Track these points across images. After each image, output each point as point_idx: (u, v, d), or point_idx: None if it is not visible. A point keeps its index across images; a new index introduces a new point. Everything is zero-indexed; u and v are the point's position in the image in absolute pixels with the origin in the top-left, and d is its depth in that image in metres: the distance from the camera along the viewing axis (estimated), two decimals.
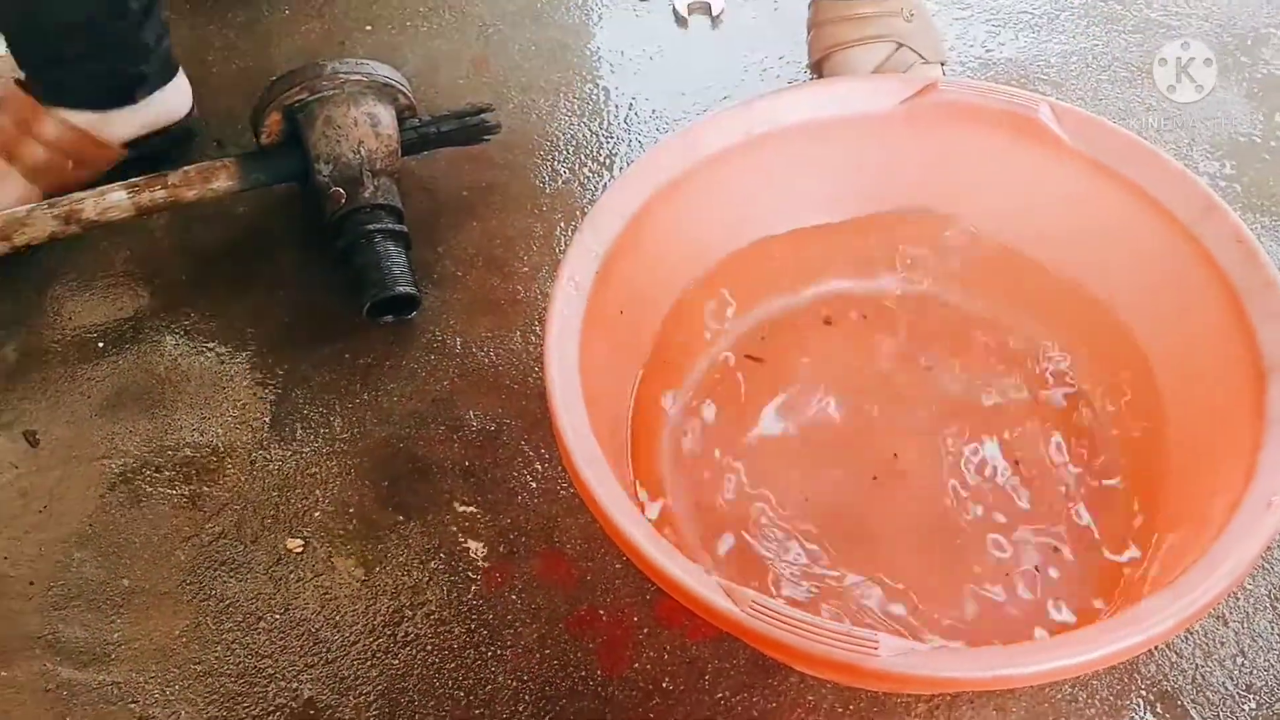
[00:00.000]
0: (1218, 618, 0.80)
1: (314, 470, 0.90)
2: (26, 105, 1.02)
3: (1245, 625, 0.79)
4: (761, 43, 1.18)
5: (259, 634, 0.83)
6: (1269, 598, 0.81)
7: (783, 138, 0.86)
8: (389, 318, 0.98)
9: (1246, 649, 0.78)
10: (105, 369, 0.98)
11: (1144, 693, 0.77)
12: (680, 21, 1.21)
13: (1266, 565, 0.82)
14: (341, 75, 0.98)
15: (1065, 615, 0.76)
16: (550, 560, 0.84)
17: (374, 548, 0.86)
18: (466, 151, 1.08)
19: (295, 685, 0.80)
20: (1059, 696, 0.76)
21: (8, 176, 1.02)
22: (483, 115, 1.05)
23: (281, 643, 0.82)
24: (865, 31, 0.97)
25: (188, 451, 0.92)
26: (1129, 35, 1.17)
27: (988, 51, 1.16)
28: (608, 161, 1.09)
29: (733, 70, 1.16)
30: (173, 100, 1.09)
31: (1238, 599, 0.81)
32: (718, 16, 1.21)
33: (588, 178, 1.08)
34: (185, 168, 0.99)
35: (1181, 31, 1.16)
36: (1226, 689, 0.77)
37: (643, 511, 0.72)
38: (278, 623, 0.83)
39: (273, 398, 0.95)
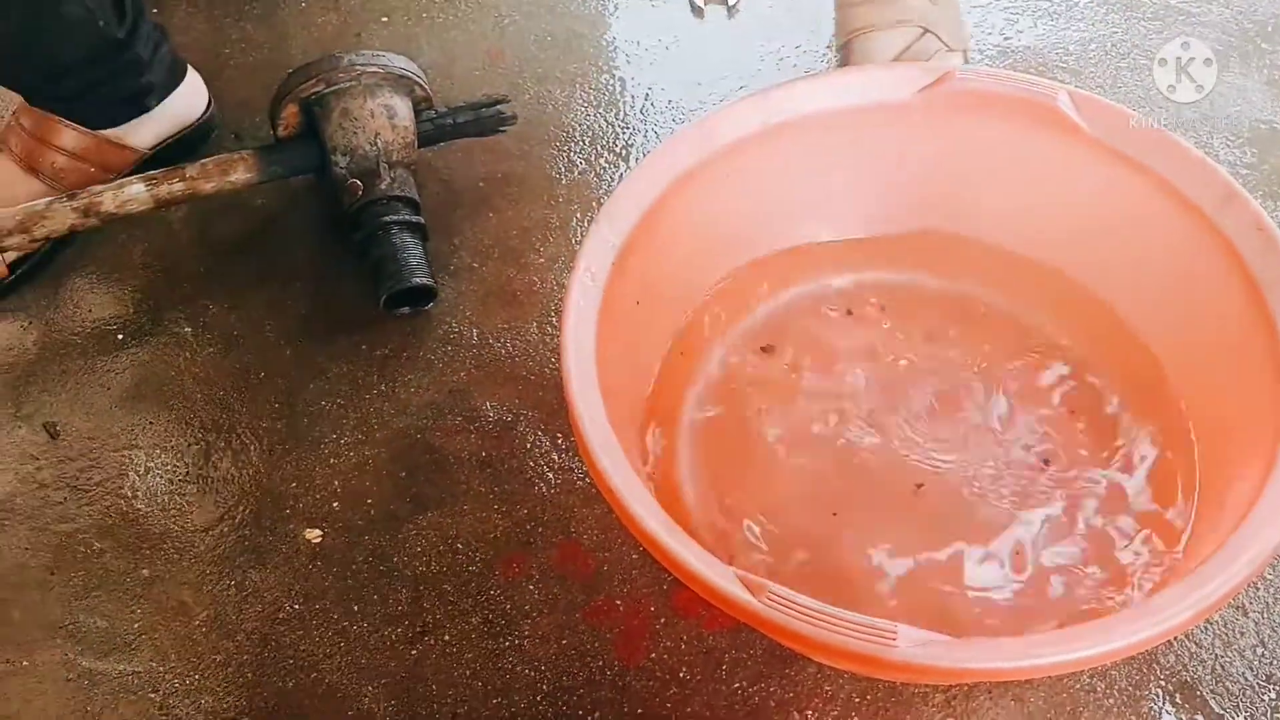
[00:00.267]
0: (1237, 608, 0.79)
1: (332, 461, 0.91)
2: (43, 117, 1.02)
3: (1265, 615, 0.79)
4: (778, 32, 1.18)
5: (278, 623, 0.83)
6: None
7: (799, 127, 0.85)
8: (406, 309, 0.98)
9: (1266, 639, 0.78)
10: (124, 361, 0.98)
11: (1163, 683, 0.76)
12: (696, 11, 1.21)
13: None
14: (358, 67, 0.98)
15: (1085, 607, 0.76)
16: (567, 550, 0.85)
17: (392, 538, 0.86)
18: (482, 142, 1.08)
19: (315, 674, 0.80)
20: (1077, 687, 0.76)
21: (29, 184, 1.03)
22: (498, 106, 1.05)
23: (301, 632, 0.82)
24: (890, 16, 0.97)
25: (207, 442, 0.93)
26: (1148, 22, 1.16)
27: (1006, 39, 1.16)
28: (624, 152, 1.09)
29: (749, 60, 1.16)
30: (188, 101, 1.09)
31: (1257, 589, 0.80)
32: (734, 6, 1.20)
33: (604, 168, 1.08)
34: (203, 161, 0.99)
35: (1201, 19, 1.15)
36: (1246, 679, 0.76)
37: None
38: (297, 612, 0.83)
39: (291, 389, 0.95)
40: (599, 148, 1.10)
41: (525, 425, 0.91)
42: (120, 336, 1.00)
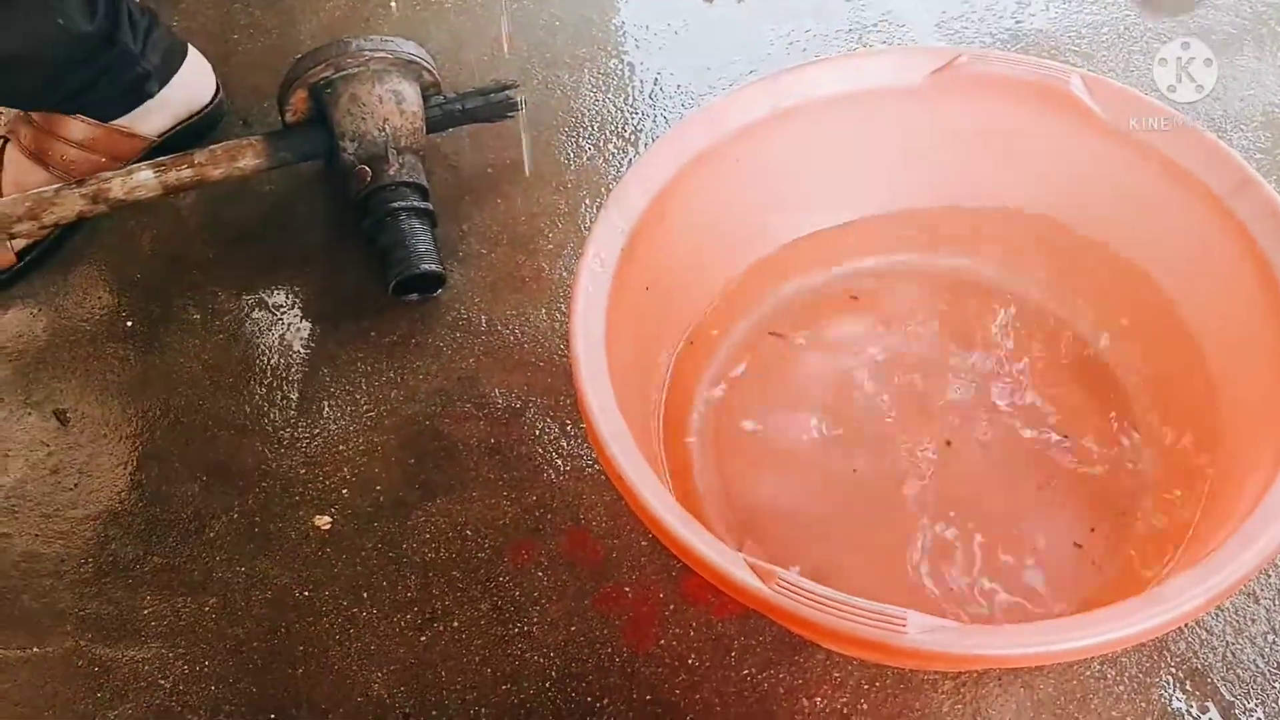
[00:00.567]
0: (1249, 595, 0.79)
1: (341, 448, 0.91)
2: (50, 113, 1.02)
3: (1277, 602, 0.79)
4: (788, 16, 1.17)
5: (288, 610, 0.83)
6: None
7: (809, 112, 0.85)
8: (414, 296, 0.98)
9: (1278, 626, 0.78)
10: (133, 348, 0.98)
11: (1174, 670, 0.76)
12: None
13: None
14: (366, 52, 0.98)
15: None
16: (576, 537, 0.85)
17: (401, 525, 0.86)
18: (490, 128, 1.07)
19: (324, 661, 0.81)
20: (1088, 674, 0.76)
21: (39, 175, 1.02)
22: (507, 92, 1.05)
23: (310, 619, 0.82)
24: None
25: (216, 429, 0.93)
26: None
27: (1017, 23, 1.15)
28: (633, 137, 1.09)
29: (758, 44, 1.15)
30: (194, 87, 1.09)
31: (1269, 576, 0.80)
32: None
33: (612, 154, 1.08)
34: (211, 147, 0.99)
35: (1214, 2, 1.14)
36: (1257, 666, 0.76)
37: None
38: (306, 599, 0.83)
39: (300, 376, 0.95)
40: (607, 133, 1.09)
41: (534, 412, 0.91)
42: (129, 323, 1.00)
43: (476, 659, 0.80)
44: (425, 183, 0.99)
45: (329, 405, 0.93)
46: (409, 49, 1.00)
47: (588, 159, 1.07)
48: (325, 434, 0.92)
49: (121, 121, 1.04)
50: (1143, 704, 0.75)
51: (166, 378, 0.96)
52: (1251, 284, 0.74)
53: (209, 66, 1.11)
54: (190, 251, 1.05)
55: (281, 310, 1.00)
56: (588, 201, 1.04)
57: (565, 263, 1.00)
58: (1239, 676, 0.76)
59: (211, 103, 1.11)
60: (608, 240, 0.76)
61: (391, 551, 0.85)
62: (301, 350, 0.97)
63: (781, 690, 0.77)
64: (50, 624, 0.84)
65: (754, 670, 0.78)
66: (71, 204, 0.97)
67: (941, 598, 0.76)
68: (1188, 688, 0.75)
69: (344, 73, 0.98)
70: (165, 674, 0.81)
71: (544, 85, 1.13)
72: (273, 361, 0.97)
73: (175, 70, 1.07)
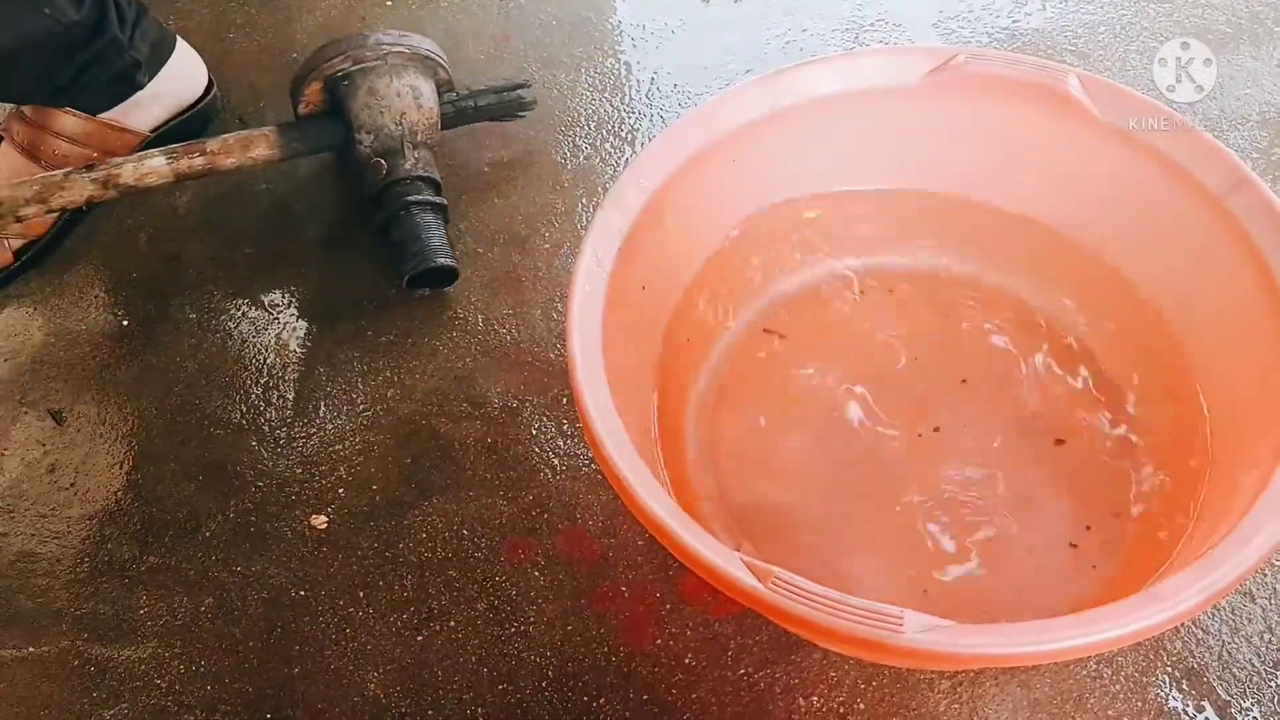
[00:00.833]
0: (1245, 594, 0.79)
1: (337, 447, 0.91)
2: (42, 107, 1.02)
3: (1273, 601, 0.79)
4: (785, 16, 1.17)
5: (284, 610, 0.83)
6: None
7: (807, 111, 0.85)
8: (425, 290, 0.98)
9: (1274, 625, 0.78)
10: (130, 348, 0.98)
11: (1170, 669, 0.76)
12: None
13: None
14: (385, 46, 0.98)
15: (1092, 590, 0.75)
16: (573, 537, 0.85)
17: (397, 524, 0.86)
18: (488, 127, 1.07)
19: (320, 660, 0.80)
20: (1084, 673, 0.76)
21: (32, 171, 1.02)
22: (519, 91, 1.05)
23: (306, 618, 0.82)
24: None
25: (212, 429, 0.93)
26: (1157, 5, 1.15)
27: (1014, 22, 1.15)
28: (629, 137, 1.09)
29: (755, 44, 1.15)
30: (184, 80, 1.09)
31: (1265, 576, 0.80)
32: None
33: (609, 153, 1.08)
34: (224, 136, 0.99)
35: (1211, 1, 1.14)
36: (1253, 665, 0.76)
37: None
38: (302, 598, 0.83)
39: (296, 375, 0.95)
40: (604, 132, 1.09)
41: (531, 411, 0.91)
42: (126, 323, 1.00)
43: (473, 658, 0.80)
44: (439, 178, 0.99)
45: (325, 405, 0.93)
46: (426, 45, 1.00)
47: (584, 158, 1.07)
48: (321, 434, 0.92)
49: (113, 115, 1.04)
50: (1139, 703, 0.75)
51: (163, 377, 0.96)
52: (1248, 282, 0.74)
53: (200, 60, 1.11)
54: (187, 251, 1.05)
55: (278, 310, 1.00)
56: (585, 201, 1.04)
57: (562, 262, 1.00)
58: (1235, 676, 0.76)
59: (204, 97, 1.11)
60: (605, 240, 0.76)
61: (388, 551, 0.85)
62: (298, 350, 0.97)
63: (778, 689, 0.77)
64: (46, 623, 0.84)
65: (751, 669, 0.78)
66: (81, 188, 0.96)
67: (938, 596, 0.76)
68: (1184, 687, 0.75)
69: (362, 66, 0.98)
70: (161, 674, 0.81)
71: (541, 85, 1.13)
72: (269, 361, 0.96)
73: (164, 61, 1.06)
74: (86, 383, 0.96)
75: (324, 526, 0.87)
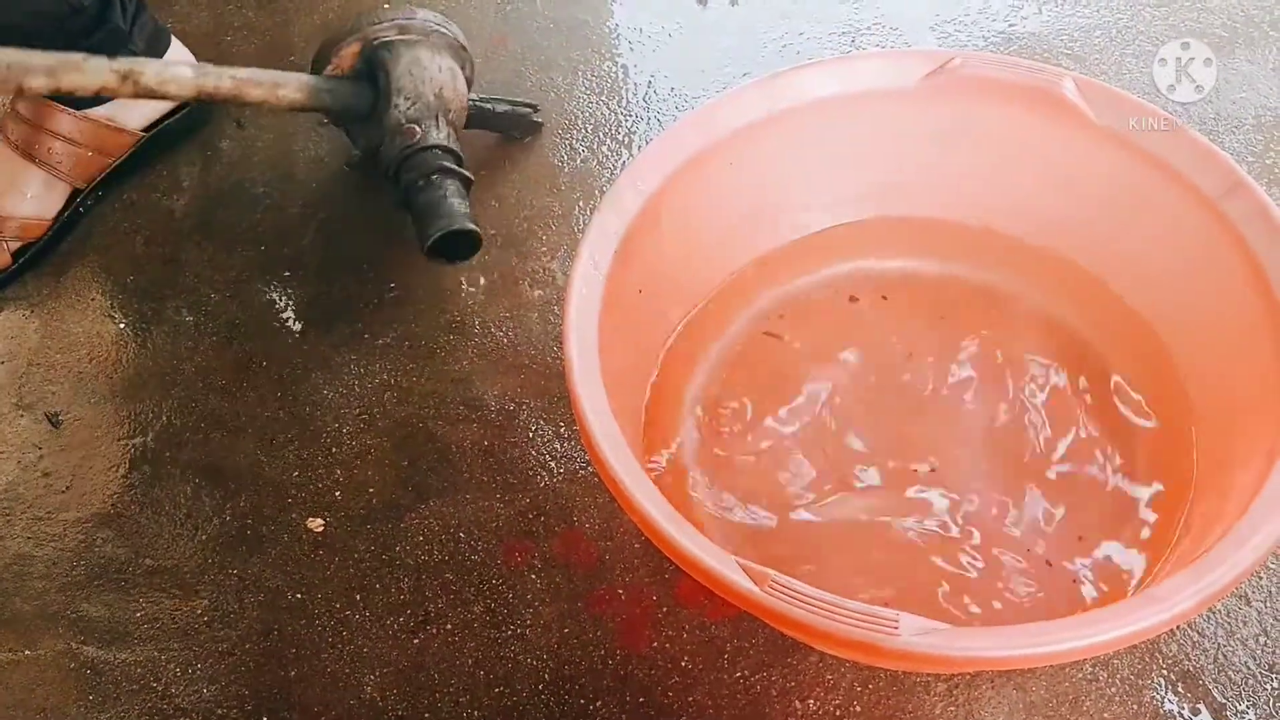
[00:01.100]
0: (1240, 597, 0.79)
1: (334, 450, 0.91)
2: (39, 104, 1.03)
3: (1268, 604, 0.79)
4: (782, 20, 1.17)
5: (280, 613, 0.83)
6: None
7: (804, 114, 0.85)
8: (444, 261, 0.96)
9: (1270, 628, 0.78)
10: (126, 350, 0.98)
11: (1165, 672, 0.76)
12: None
13: None
14: (431, 25, 0.98)
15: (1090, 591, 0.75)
16: (569, 539, 0.85)
17: (394, 527, 0.86)
18: (485, 130, 1.07)
19: (317, 663, 0.80)
20: (1080, 676, 0.76)
21: (29, 171, 1.03)
22: (532, 109, 1.06)
23: (303, 622, 0.82)
24: None
25: (209, 431, 0.93)
26: (1153, 9, 1.15)
27: (1010, 26, 1.15)
28: (626, 140, 1.09)
29: (752, 47, 1.15)
30: None
31: (1261, 578, 0.80)
32: None
33: (606, 156, 1.08)
34: (256, 68, 0.95)
35: (1207, 4, 1.14)
36: (1249, 668, 0.76)
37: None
38: (299, 602, 0.83)
39: (293, 378, 0.95)
40: (601, 135, 1.09)
41: (528, 414, 0.91)
42: (122, 325, 1.00)
43: (469, 661, 0.80)
44: (464, 157, 0.99)
45: (322, 408, 0.93)
46: (462, 38, 1.01)
47: (581, 161, 1.07)
48: (318, 436, 0.92)
49: (107, 113, 1.04)
50: (1135, 706, 0.75)
51: (159, 380, 0.96)
52: (1243, 285, 0.74)
53: (193, 59, 1.11)
54: (184, 254, 1.05)
55: (274, 312, 1.00)
56: (582, 204, 1.04)
57: (559, 265, 1.00)
58: (1230, 678, 0.76)
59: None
60: (602, 243, 0.76)
61: (384, 554, 0.85)
62: (294, 352, 0.97)
63: (774, 692, 0.77)
64: (42, 626, 0.84)
65: (747, 672, 0.78)
66: (97, 75, 0.89)
67: (934, 600, 0.76)
68: (1180, 689, 0.76)
69: (407, 37, 0.98)
70: (157, 677, 0.81)
71: (538, 88, 1.13)
72: (265, 364, 0.96)
73: (160, 56, 1.06)
74: (83, 385, 0.96)
75: (320, 529, 0.87)
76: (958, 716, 0.75)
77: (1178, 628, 0.77)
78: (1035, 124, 0.84)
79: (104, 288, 1.03)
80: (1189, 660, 0.77)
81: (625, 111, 1.11)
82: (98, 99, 1.03)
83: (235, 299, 1.01)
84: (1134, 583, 0.75)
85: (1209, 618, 0.78)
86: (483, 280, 1.00)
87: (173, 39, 1.09)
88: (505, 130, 1.07)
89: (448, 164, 0.95)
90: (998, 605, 0.75)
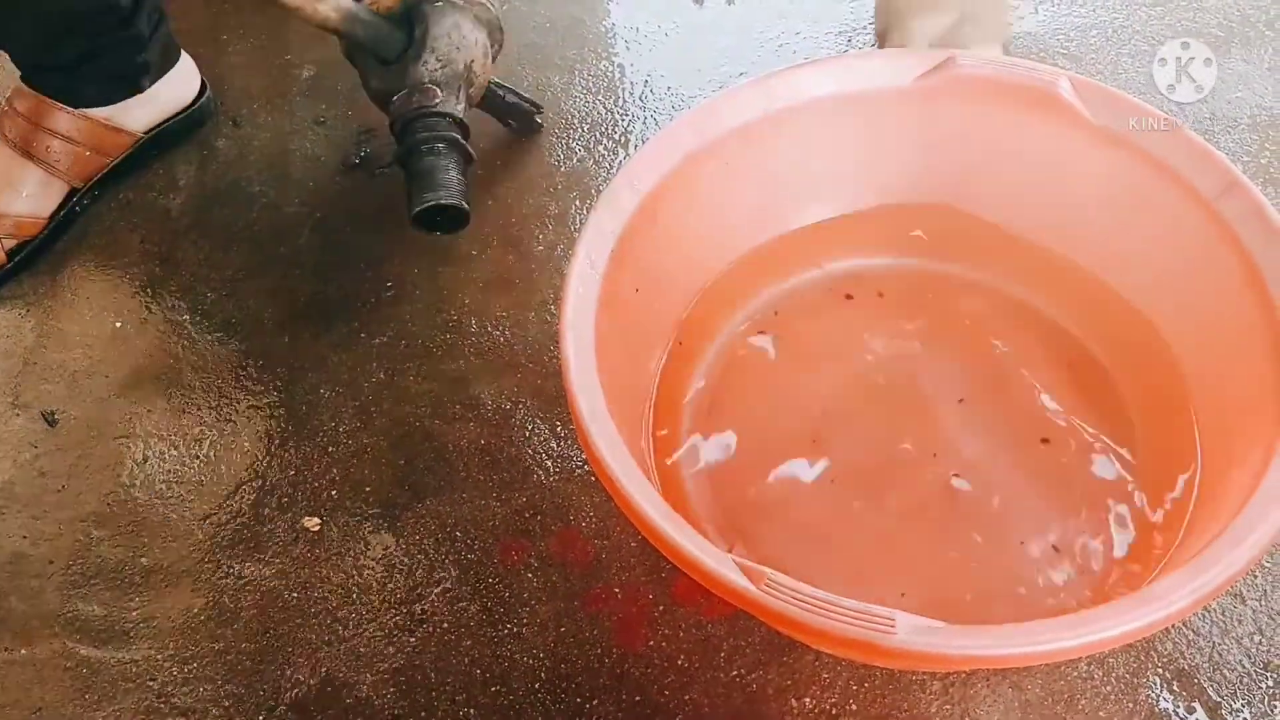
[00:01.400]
0: (1235, 596, 0.79)
1: (330, 449, 0.91)
2: (37, 101, 1.03)
3: (1263, 603, 0.79)
4: (778, 19, 1.17)
5: (277, 612, 0.83)
6: None
7: (801, 113, 0.85)
8: (425, 230, 0.95)
9: (1264, 627, 0.78)
10: (122, 349, 0.98)
11: (1161, 670, 0.76)
12: None
13: None
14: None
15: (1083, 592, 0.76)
16: (566, 538, 0.85)
17: (390, 526, 0.86)
18: (482, 129, 1.07)
19: (313, 662, 0.80)
20: (1075, 674, 0.76)
21: (26, 169, 1.03)
22: (536, 109, 1.08)
23: (299, 621, 0.82)
24: (931, 2, 0.95)
25: (205, 431, 0.93)
26: (1149, 8, 1.15)
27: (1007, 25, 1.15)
28: (623, 139, 1.09)
29: (749, 47, 1.16)
30: (181, 85, 1.10)
31: (1255, 577, 0.80)
32: None
33: (603, 156, 1.08)
34: None
35: (1203, 4, 1.15)
36: (1244, 667, 0.76)
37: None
38: (295, 601, 0.83)
39: (289, 377, 0.95)
40: (598, 135, 1.09)
41: (524, 413, 0.91)
42: (118, 324, 1.00)
43: (466, 660, 0.80)
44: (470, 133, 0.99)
45: (318, 407, 0.93)
46: (502, 20, 1.01)
47: (578, 160, 1.07)
48: (314, 436, 0.92)
49: (107, 114, 1.04)
50: (1130, 704, 0.75)
51: (156, 379, 0.96)
52: (1239, 285, 0.74)
53: (193, 64, 1.12)
54: (179, 253, 1.05)
55: (271, 312, 1.00)
56: (578, 203, 1.04)
57: (556, 264, 1.00)
58: (1225, 677, 0.76)
59: (198, 100, 1.11)
60: (598, 242, 0.76)
61: (381, 553, 0.85)
62: (291, 352, 0.97)
63: (770, 691, 0.77)
64: (38, 625, 0.84)
65: (743, 671, 0.78)
66: None
67: (930, 600, 0.76)
68: (1175, 688, 0.76)
69: (456, 2, 0.98)
70: (154, 675, 0.81)
71: (535, 87, 1.13)
72: (261, 363, 0.96)
73: (167, 70, 1.07)
74: (78, 385, 0.96)
75: (317, 528, 0.87)
76: (953, 714, 0.75)
77: (1173, 626, 0.78)
78: (1031, 124, 0.84)
79: (100, 287, 1.03)
80: (1184, 658, 0.77)
81: (622, 111, 1.11)
82: (105, 101, 1.04)
83: (231, 298, 1.01)
84: (1133, 579, 0.75)
85: (1204, 616, 0.78)
86: (479, 279, 1.00)
87: (182, 53, 1.10)
88: (505, 119, 1.07)
89: (456, 136, 0.94)
90: (998, 605, 0.75)
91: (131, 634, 0.83)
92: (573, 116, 1.11)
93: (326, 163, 1.09)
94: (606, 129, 1.10)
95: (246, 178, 1.08)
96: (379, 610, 0.82)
